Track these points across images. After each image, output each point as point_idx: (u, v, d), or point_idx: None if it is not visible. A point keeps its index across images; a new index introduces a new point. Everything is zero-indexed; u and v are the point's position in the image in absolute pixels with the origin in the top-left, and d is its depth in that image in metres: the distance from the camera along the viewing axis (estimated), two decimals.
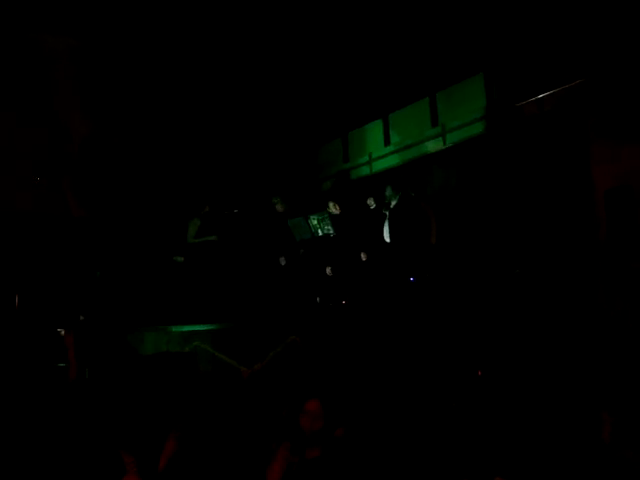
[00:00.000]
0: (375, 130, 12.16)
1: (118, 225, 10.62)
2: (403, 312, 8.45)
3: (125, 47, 10.97)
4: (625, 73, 7.97)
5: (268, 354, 7.78)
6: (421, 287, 8.96)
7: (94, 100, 10.99)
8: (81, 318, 8.58)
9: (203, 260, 9.64)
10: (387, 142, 11.88)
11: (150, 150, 11.31)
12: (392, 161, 11.63)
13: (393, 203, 9.48)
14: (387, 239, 9.52)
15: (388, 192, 9.56)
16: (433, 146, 10.87)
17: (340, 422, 4.51)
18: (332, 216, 9.76)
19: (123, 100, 11.16)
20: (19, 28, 10.20)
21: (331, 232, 9.74)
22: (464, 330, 7.73)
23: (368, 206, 9.91)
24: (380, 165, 11.92)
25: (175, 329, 7.86)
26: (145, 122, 11.32)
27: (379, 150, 11.99)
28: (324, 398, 3.88)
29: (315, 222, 9.78)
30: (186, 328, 7.88)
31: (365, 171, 12.24)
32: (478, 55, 9.87)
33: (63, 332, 5.44)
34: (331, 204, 10.01)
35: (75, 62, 10.80)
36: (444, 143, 10.65)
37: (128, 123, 11.21)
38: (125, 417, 4.94)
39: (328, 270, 9.79)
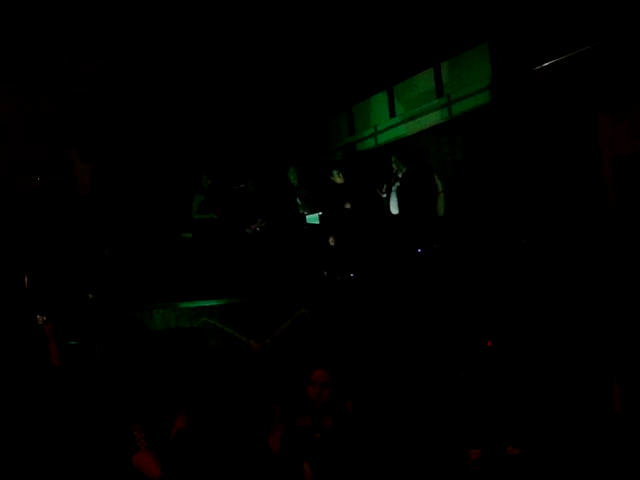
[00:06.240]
0: (380, 102, 12.08)
1: (125, 202, 10.61)
2: (411, 284, 8.45)
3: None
4: (633, 39, 7.88)
5: (277, 328, 7.78)
6: (429, 259, 8.95)
7: (103, 70, 10.91)
8: (90, 296, 8.59)
9: (210, 236, 9.63)
10: (392, 114, 11.81)
11: (157, 125, 11.27)
12: (397, 133, 11.57)
13: (401, 174, 9.42)
14: (394, 211, 9.48)
15: (395, 163, 9.49)
16: (438, 117, 10.79)
17: (350, 394, 4.53)
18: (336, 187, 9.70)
19: (130, 72, 11.10)
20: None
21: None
22: (473, 301, 7.73)
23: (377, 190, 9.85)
24: (385, 137, 11.86)
25: (184, 305, 7.87)
26: (155, 97, 11.27)
27: (384, 122, 11.93)
28: (334, 369, 3.88)
29: None
30: (195, 304, 7.89)
31: (370, 143, 12.18)
32: (483, 24, 9.76)
33: (43, 319, 4.95)
34: (335, 172, 9.93)
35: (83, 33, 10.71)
36: (450, 114, 10.58)
37: (136, 96, 11.14)
38: (136, 393, 4.96)
39: (331, 240, 9.74)
